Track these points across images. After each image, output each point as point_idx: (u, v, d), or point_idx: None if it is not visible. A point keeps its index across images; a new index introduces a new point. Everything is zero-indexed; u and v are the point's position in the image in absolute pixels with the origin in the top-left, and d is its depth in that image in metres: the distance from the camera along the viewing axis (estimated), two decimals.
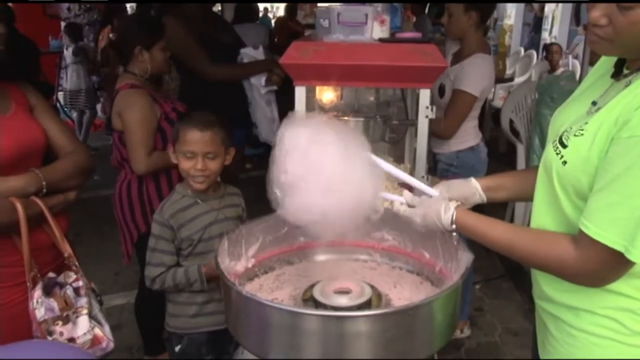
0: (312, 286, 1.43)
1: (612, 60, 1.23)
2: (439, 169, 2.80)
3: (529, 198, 1.39)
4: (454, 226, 1.31)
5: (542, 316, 1.35)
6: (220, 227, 1.87)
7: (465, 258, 1.35)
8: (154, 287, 1.83)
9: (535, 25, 11.54)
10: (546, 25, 11.02)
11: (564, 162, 1.16)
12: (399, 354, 1.19)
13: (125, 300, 3.12)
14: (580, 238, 1.12)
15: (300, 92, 1.74)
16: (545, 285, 1.30)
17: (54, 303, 1.61)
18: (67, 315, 1.63)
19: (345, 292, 1.38)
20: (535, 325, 1.46)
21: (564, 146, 1.17)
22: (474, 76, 2.59)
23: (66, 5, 7.93)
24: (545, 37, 10.75)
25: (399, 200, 1.39)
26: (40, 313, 1.60)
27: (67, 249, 1.72)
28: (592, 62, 1.24)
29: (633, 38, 1.07)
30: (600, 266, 1.11)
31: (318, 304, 1.35)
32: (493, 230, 1.27)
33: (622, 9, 1.04)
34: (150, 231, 1.88)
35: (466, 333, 3.06)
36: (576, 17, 3.68)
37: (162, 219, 1.83)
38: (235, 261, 1.50)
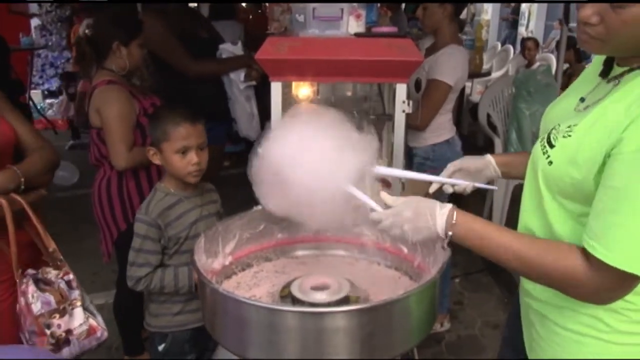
0: (290, 283, 1.42)
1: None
2: (415, 163, 2.81)
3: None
4: (450, 232, 1.20)
5: (529, 314, 1.35)
6: (205, 223, 1.85)
7: (443, 252, 1.35)
8: (137, 288, 1.79)
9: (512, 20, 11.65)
10: (523, 20, 11.12)
11: (550, 162, 1.15)
12: (377, 349, 1.18)
13: (104, 300, 3.08)
14: (592, 259, 1.05)
15: (276, 88, 1.73)
16: (531, 284, 1.29)
17: (50, 296, 1.65)
18: (63, 307, 1.68)
19: (323, 288, 1.38)
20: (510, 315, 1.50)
21: (551, 146, 1.16)
22: (448, 66, 2.61)
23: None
24: (522, 31, 10.85)
25: (371, 206, 1.29)
26: (36, 307, 1.64)
27: (51, 244, 1.74)
28: (577, 59, 1.26)
29: (626, 37, 1.03)
30: (614, 287, 1.06)
31: (296, 301, 1.35)
32: (500, 237, 1.17)
33: (615, 7, 1.00)
34: (130, 229, 1.85)
35: (446, 326, 3.08)
36: (565, 16, 3.70)
37: (148, 218, 1.79)
38: (212, 259, 1.49)
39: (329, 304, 1.32)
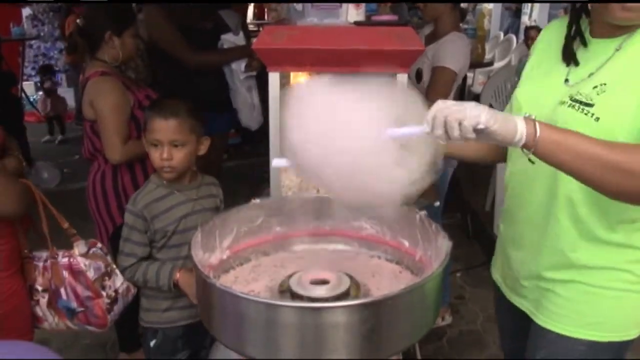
0: (289, 277, 1.39)
1: (555, 37, 1.41)
2: None
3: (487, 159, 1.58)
4: (537, 134, 1.10)
5: (539, 287, 1.43)
6: (197, 218, 1.82)
7: (445, 245, 1.32)
8: (124, 276, 1.84)
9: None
10: (526, 9, 11.03)
11: (597, 119, 1.23)
12: (378, 345, 1.15)
13: None
14: None
15: (274, 79, 1.69)
16: (561, 251, 1.36)
17: (100, 262, 1.90)
18: (110, 270, 1.92)
19: (322, 282, 1.35)
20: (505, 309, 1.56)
21: (589, 105, 1.24)
22: (453, 53, 2.58)
23: None
24: (525, 20, 10.76)
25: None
26: (91, 274, 1.87)
27: (64, 222, 1.95)
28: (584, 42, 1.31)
29: None
30: None
31: (295, 296, 1.31)
32: (589, 144, 1.13)
33: None
34: None
35: (447, 320, 3.05)
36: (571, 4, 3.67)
37: (135, 209, 1.78)
38: (210, 253, 1.45)
39: (328, 299, 1.29)
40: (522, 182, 1.46)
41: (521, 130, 1.09)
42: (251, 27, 6.12)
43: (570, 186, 1.30)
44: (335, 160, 1.11)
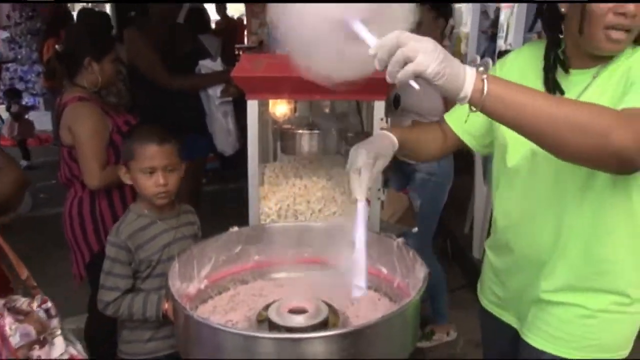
0: (267, 306, 1.38)
1: (528, 64, 1.44)
2: (417, 179, 2.80)
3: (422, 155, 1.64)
4: (483, 84, 1.06)
5: (536, 308, 1.47)
6: (179, 246, 1.81)
7: (423, 272, 1.33)
8: (107, 312, 1.76)
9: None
10: (501, 32, 11.22)
11: None
12: None
13: (75, 325, 2.97)
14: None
15: (252, 107, 1.69)
16: (566, 275, 1.40)
17: (29, 327, 1.55)
18: (44, 337, 1.58)
19: (301, 311, 1.34)
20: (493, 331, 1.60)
21: None
22: None
23: (5, 12, 7.66)
24: (501, 44, 10.95)
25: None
26: (15, 340, 1.53)
27: (24, 271, 1.65)
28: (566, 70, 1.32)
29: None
30: None
31: (273, 325, 1.31)
32: (535, 99, 1.09)
33: None
34: (103, 250, 1.81)
35: (452, 336, 3.12)
36: (533, 25, 3.69)
37: (118, 240, 1.76)
38: (187, 283, 1.44)
39: (307, 329, 1.28)
40: (519, 214, 1.48)
41: (467, 89, 1.05)
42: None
43: (579, 213, 1.35)
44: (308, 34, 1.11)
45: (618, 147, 1.06)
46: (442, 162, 2.74)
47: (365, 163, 1.34)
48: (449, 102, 2.58)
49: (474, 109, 1.09)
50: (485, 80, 1.06)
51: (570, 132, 1.07)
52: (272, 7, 1.15)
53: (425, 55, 1.00)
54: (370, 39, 1.07)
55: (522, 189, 1.46)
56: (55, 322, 1.62)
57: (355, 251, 1.28)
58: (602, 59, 1.32)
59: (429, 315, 3.18)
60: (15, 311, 1.60)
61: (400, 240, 1.48)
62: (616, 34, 1.25)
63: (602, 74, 1.32)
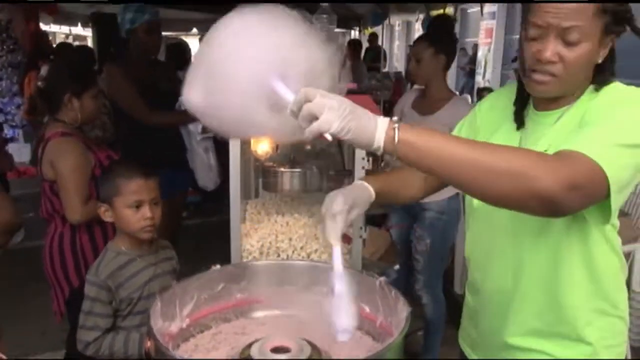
0: (250, 345, 1.38)
1: (503, 104, 1.46)
2: (426, 218, 2.81)
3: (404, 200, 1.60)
4: (394, 134, 1.05)
5: (505, 354, 1.44)
6: (159, 282, 1.81)
7: (405, 311, 1.34)
8: (87, 352, 1.72)
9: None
10: (479, 69, 11.47)
11: None
12: None
13: None
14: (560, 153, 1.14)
15: (234, 145, 1.71)
16: (531, 320, 1.39)
17: None
18: None
19: (284, 350, 1.34)
20: None
21: None
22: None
23: None
24: (479, 80, 11.18)
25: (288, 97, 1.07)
26: None
27: None
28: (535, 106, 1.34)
29: (577, 72, 1.26)
30: (576, 175, 1.08)
31: None
32: (449, 145, 1.09)
33: (568, 45, 1.21)
34: (83, 286, 1.79)
35: None
36: (515, 61, 3.78)
37: (98, 280, 1.74)
38: (169, 322, 1.43)
39: None
40: (484, 255, 1.49)
41: (378, 140, 1.05)
42: None
43: (536, 258, 1.36)
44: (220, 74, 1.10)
45: (537, 190, 1.05)
46: (450, 200, 2.75)
47: (341, 210, 1.33)
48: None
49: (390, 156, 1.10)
50: (397, 130, 1.06)
51: (485, 177, 1.07)
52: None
53: (330, 112, 1.01)
54: (289, 95, 1.08)
55: (485, 230, 1.48)
56: None
57: (336, 296, 1.28)
58: (563, 101, 1.33)
59: (416, 351, 3.18)
60: None
61: (383, 279, 1.49)
62: (539, 77, 1.27)
63: (565, 116, 1.33)
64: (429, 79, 2.78)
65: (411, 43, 2.99)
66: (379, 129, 1.05)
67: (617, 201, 1.17)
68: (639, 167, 1.19)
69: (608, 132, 1.17)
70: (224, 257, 1.67)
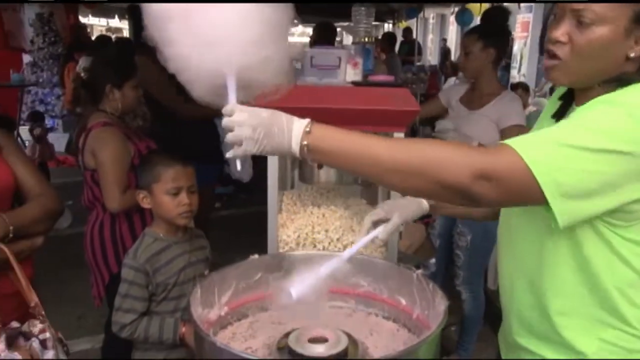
0: (287, 334, 1.39)
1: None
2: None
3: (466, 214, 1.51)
4: (305, 142, 1.11)
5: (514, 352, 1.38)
6: (193, 270, 1.85)
7: (443, 305, 1.34)
8: (122, 334, 1.77)
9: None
10: (515, 63, 11.28)
11: None
12: None
13: (90, 345, 3.02)
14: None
15: None
16: (527, 322, 1.32)
17: (17, 356, 1.52)
18: None
19: (321, 340, 1.35)
20: None
21: None
22: (519, 110, 2.66)
23: (29, 37, 7.87)
24: (515, 74, 11.00)
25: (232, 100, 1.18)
26: None
27: (33, 298, 1.64)
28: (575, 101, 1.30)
29: (587, 59, 1.15)
30: (487, 165, 1.07)
31: (294, 354, 1.32)
32: (358, 144, 1.12)
33: (580, 26, 1.13)
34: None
35: None
36: (540, 47, 3.69)
37: (136, 264, 1.78)
38: (208, 309, 1.46)
39: (327, 358, 1.29)
40: (500, 253, 1.44)
41: (294, 148, 1.12)
42: None
43: (525, 256, 1.31)
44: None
45: (445, 180, 1.07)
46: None
47: (374, 213, 1.45)
48: (505, 133, 2.60)
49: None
50: (308, 135, 1.11)
51: (396, 175, 1.11)
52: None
53: (246, 142, 1.12)
54: (231, 98, 1.19)
55: (501, 226, 1.44)
56: (49, 354, 1.59)
57: (320, 267, 1.27)
58: (593, 94, 1.20)
59: (449, 347, 3.17)
60: (23, 335, 1.59)
61: (420, 272, 1.49)
62: (547, 60, 1.21)
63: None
64: (478, 72, 2.74)
65: (445, 36, 2.95)
66: (293, 139, 1.12)
67: (567, 208, 1.07)
68: (611, 176, 1.07)
69: (561, 131, 1.11)
70: (256, 248, 1.68)
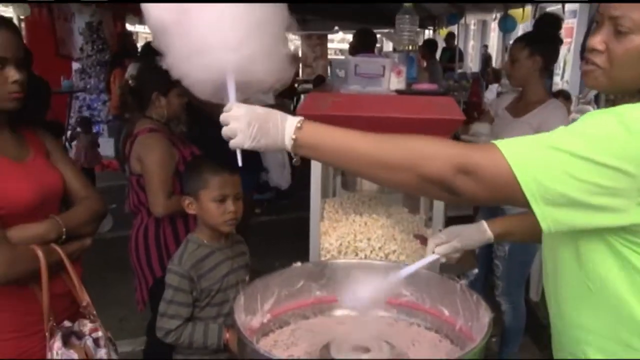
0: (328, 343, 1.39)
1: None
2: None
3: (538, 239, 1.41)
4: (294, 136, 1.15)
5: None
6: (235, 276, 1.86)
7: (487, 317, 1.32)
8: (167, 339, 1.79)
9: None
10: (558, 70, 11.06)
11: None
12: None
13: (131, 348, 3.07)
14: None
15: None
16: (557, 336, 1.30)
17: (74, 355, 1.59)
18: None
19: (363, 350, 1.35)
20: None
21: None
22: (563, 118, 2.61)
23: (79, 45, 8.12)
24: (557, 81, 10.78)
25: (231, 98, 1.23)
26: None
27: (85, 298, 1.71)
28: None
29: (626, 67, 1.13)
30: (469, 160, 1.08)
31: None
32: (347, 141, 1.15)
33: (618, 35, 1.12)
34: (165, 276, 1.86)
35: None
36: (581, 53, 3.60)
37: (182, 270, 1.80)
38: (251, 316, 1.47)
39: None
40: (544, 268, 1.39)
41: (287, 144, 1.16)
42: None
43: (548, 263, 1.30)
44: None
45: (427, 173, 1.10)
46: None
47: (437, 237, 1.53)
48: None
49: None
50: (298, 130, 1.16)
51: (382, 172, 1.14)
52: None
53: (240, 134, 1.16)
54: (231, 97, 1.23)
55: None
56: (102, 352, 1.66)
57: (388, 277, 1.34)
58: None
59: (490, 358, 3.12)
60: (74, 334, 1.67)
61: (463, 282, 1.47)
62: (585, 66, 1.19)
63: None
64: (524, 80, 2.70)
65: (486, 43, 2.92)
66: (286, 136, 1.16)
67: (549, 213, 1.04)
68: (601, 189, 1.02)
69: (552, 135, 1.09)
70: (295, 253, 1.69)
